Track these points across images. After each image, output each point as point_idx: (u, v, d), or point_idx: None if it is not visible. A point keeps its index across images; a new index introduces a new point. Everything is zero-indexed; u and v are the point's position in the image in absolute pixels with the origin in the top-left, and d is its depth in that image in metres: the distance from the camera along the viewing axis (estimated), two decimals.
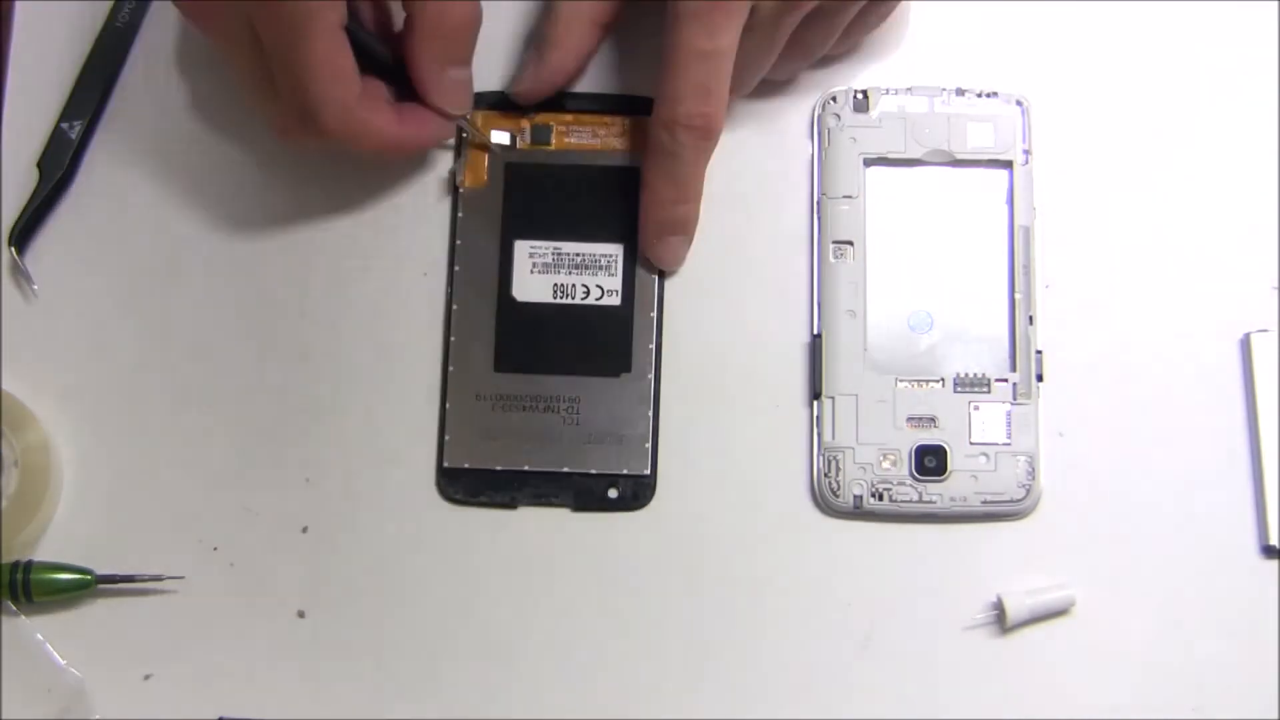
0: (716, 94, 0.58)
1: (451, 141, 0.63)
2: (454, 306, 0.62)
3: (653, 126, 0.59)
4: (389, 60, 0.59)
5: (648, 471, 0.61)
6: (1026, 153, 0.62)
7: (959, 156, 0.62)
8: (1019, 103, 0.63)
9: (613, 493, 0.61)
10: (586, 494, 0.61)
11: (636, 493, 0.61)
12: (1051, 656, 0.59)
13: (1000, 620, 0.59)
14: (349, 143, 0.58)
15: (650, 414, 0.61)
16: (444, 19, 0.59)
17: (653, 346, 0.61)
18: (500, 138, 0.63)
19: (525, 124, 0.63)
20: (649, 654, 0.60)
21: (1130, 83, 0.64)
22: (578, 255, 0.62)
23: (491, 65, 0.64)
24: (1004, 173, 0.62)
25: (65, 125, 0.64)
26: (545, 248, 0.62)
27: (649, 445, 0.61)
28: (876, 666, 0.60)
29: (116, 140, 0.65)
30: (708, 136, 0.58)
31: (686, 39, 0.56)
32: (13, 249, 0.63)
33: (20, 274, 0.64)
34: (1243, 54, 0.64)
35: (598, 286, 0.62)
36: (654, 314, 0.62)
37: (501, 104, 0.63)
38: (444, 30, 0.59)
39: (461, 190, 0.63)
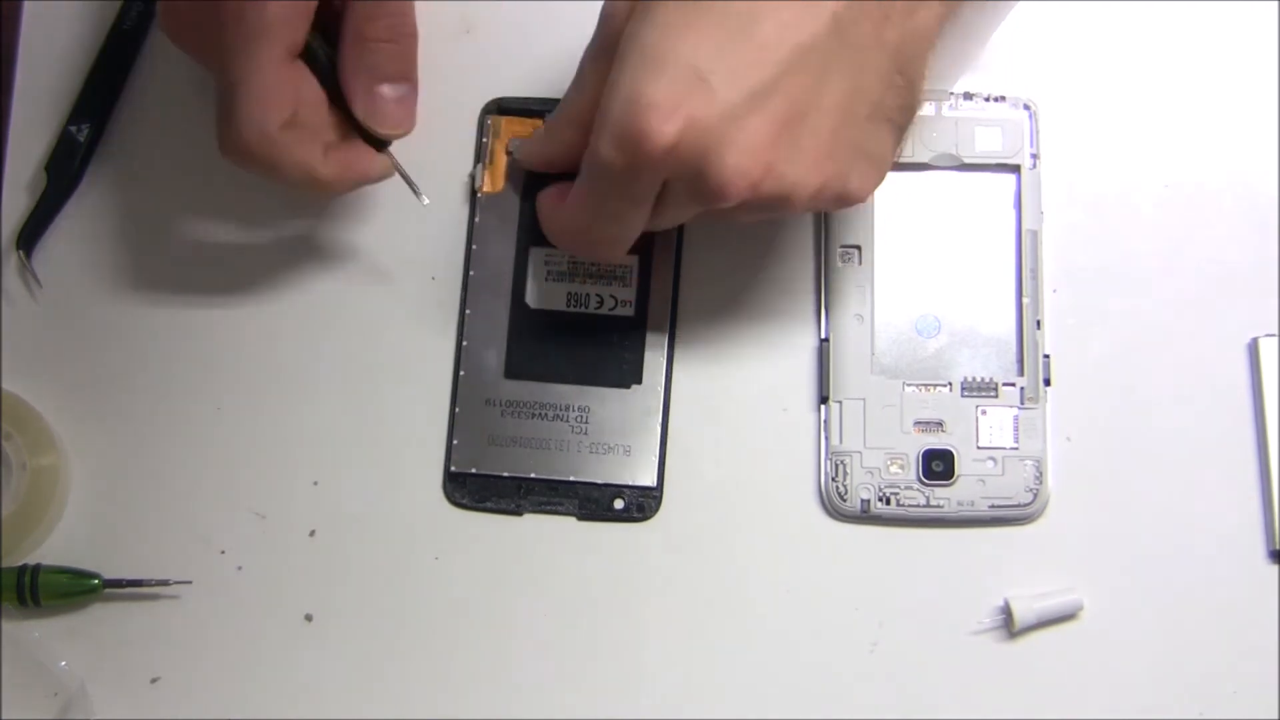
0: (594, 233, 0.57)
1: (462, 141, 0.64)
2: (467, 311, 0.62)
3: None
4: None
5: (654, 484, 0.61)
6: (1034, 157, 0.62)
7: (966, 160, 0.62)
8: (1026, 107, 0.63)
9: (619, 503, 0.61)
10: (592, 504, 0.61)
11: (642, 504, 0.61)
12: (1059, 661, 0.60)
13: (1008, 624, 0.59)
14: (265, 171, 0.56)
15: (659, 426, 0.61)
16: (369, 25, 0.57)
17: (664, 358, 0.61)
18: (516, 145, 0.63)
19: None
20: (653, 655, 0.60)
21: (1136, 86, 0.64)
22: (593, 265, 0.62)
23: (511, 70, 0.64)
24: (1011, 177, 0.62)
25: (73, 128, 0.64)
26: (560, 256, 0.62)
27: (656, 457, 0.61)
28: (884, 670, 0.60)
29: (124, 143, 0.65)
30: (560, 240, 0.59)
31: (598, 194, 0.55)
32: (20, 251, 0.63)
33: (28, 276, 0.64)
34: (1247, 56, 0.64)
35: (611, 297, 0.62)
36: (667, 326, 0.62)
37: (520, 110, 0.63)
38: (370, 37, 0.57)
39: (479, 195, 0.63)
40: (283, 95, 0.55)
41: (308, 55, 0.56)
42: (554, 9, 0.64)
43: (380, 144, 0.59)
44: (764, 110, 0.51)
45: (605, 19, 0.55)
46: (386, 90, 0.58)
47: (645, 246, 0.62)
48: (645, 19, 0.52)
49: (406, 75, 0.59)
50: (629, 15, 0.53)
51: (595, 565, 0.61)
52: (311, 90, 0.57)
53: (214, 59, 0.56)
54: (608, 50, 0.54)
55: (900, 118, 0.55)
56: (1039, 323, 0.61)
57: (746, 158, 0.51)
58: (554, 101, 0.63)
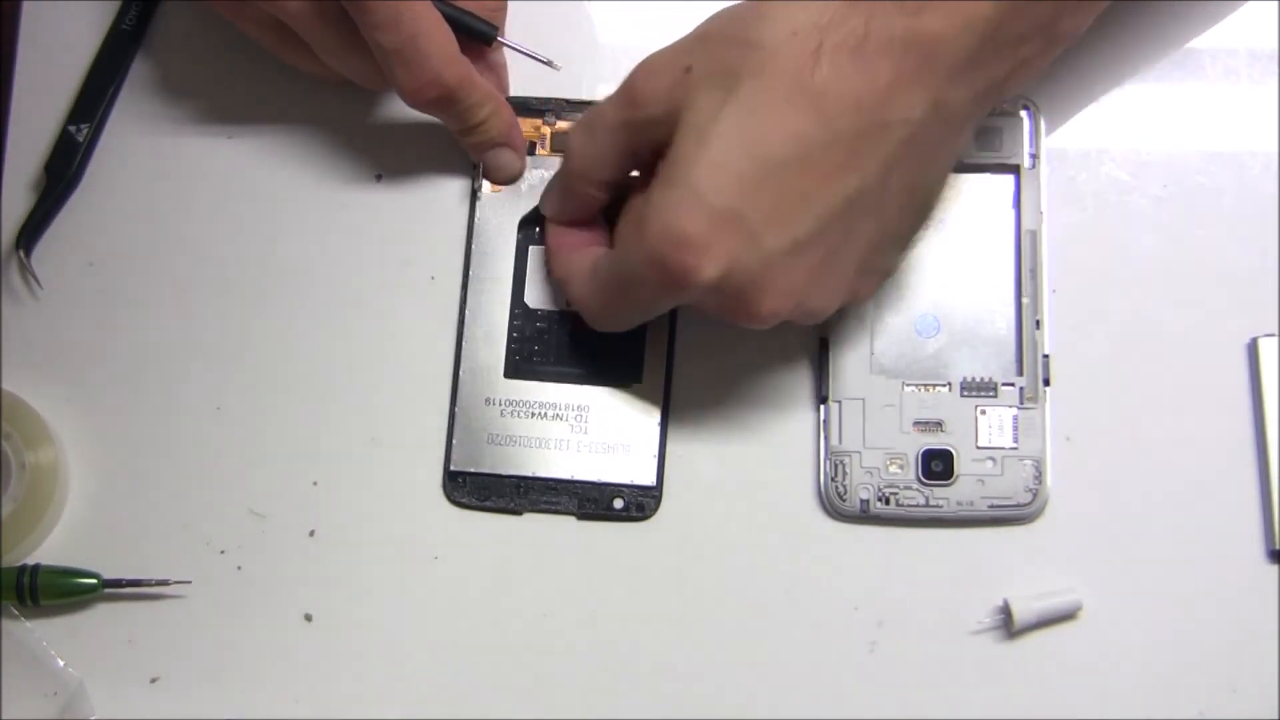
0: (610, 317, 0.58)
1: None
2: (466, 311, 0.62)
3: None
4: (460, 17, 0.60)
5: (653, 483, 0.61)
6: (1033, 157, 0.62)
7: (966, 160, 0.62)
8: (1026, 106, 0.63)
9: (618, 503, 0.61)
10: (591, 503, 0.61)
11: (641, 504, 0.61)
12: (1058, 661, 0.59)
13: (1007, 624, 0.59)
14: (463, 92, 0.59)
15: (659, 425, 0.61)
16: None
17: (664, 358, 0.61)
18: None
19: (545, 130, 0.63)
20: (653, 655, 0.60)
21: (1136, 86, 0.64)
22: None
23: (512, 70, 0.64)
24: (1010, 177, 0.62)
25: (72, 128, 0.64)
26: None
27: (656, 456, 0.61)
28: (883, 670, 0.60)
29: (123, 143, 0.65)
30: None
31: (622, 293, 0.56)
32: (20, 251, 0.63)
33: (28, 276, 0.64)
34: (1246, 55, 0.64)
35: None
36: (666, 326, 0.62)
37: (521, 109, 0.63)
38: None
39: (479, 195, 0.63)
40: (447, 29, 0.58)
41: None
42: (555, 9, 0.65)
43: (488, 39, 0.61)
44: (802, 257, 0.53)
45: (636, 99, 0.55)
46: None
47: None
48: (692, 146, 0.52)
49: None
50: (667, 111, 0.53)
51: (595, 564, 0.61)
52: None
53: (319, 14, 0.58)
54: (633, 127, 0.55)
55: (914, 236, 0.58)
56: (1038, 323, 0.61)
57: (780, 300, 0.53)
58: (554, 101, 0.63)
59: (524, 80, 0.64)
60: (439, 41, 0.58)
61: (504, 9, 0.62)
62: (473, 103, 0.60)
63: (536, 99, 0.63)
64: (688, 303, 0.54)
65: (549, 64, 0.62)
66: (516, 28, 0.63)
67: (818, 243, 0.52)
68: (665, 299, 0.55)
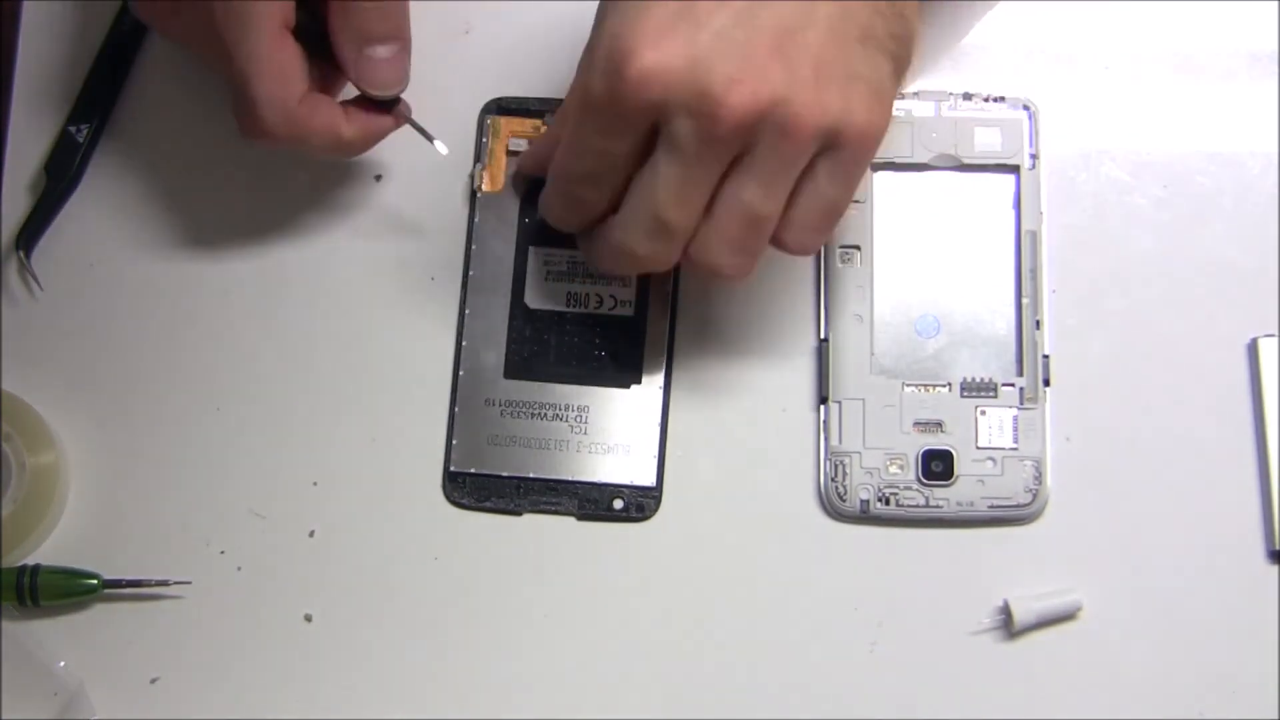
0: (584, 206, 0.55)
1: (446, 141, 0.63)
2: (466, 311, 0.62)
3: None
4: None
5: (653, 483, 0.61)
6: (1033, 157, 0.62)
7: (966, 161, 0.62)
8: (1026, 107, 0.63)
9: (618, 503, 0.61)
10: (591, 504, 0.61)
11: (641, 504, 0.61)
12: (1058, 661, 0.59)
13: (1007, 625, 0.59)
14: (293, 146, 0.57)
15: (659, 426, 0.61)
16: None
17: (663, 358, 0.61)
18: (516, 145, 0.63)
19: (543, 130, 0.63)
20: (652, 655, 0.60)
21: (1136, 86, 0.64)
22: None
23: (511, 70, 0.64)
24: (1011, 177, 0.62)
25: (73, 129, 0.64)
26: (560, 256, 0.62)
27: (656, 457, 0.61)
28: (883, 671, 0.60)
29: (123, 144, 0.65)
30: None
31: (582, 132, 0.53)
32: (20, 252, 0.63)
33: (27, 276, 0.64)
34: (1246, 56, 0.64)
35: (611, 297, 0.62)
36: (666, 326, 0.62)
37: (520, 110, 0.63)
38: (356, 3, 0.57)
39: (479, 195, 0.63)
40: (293, 70, 0.56)
41: (297, 28, 0.57)
42: (554, 9, 0.65)
43: (389, 102, 0.59)
44: (752, 25, 0.51)
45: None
46: (378, 51, 0.58)
47: None
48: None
49: (396, 33, 0.58)
50: None
51: (595, 565, 0.61)
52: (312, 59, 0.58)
53: (204, 44, 0.57)
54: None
55: (894, 47, 0.53)
56: (1038, 323, 0.61)
57: (740, 67, 0.50)
58: (554, 101, 0.63)
59: (524, 80, 0.64)
60: (273, 88, 0.56)
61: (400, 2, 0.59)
62: (308, 145, 0.58)
63: (536, 99, 0.63)
64: (640, 115, 0.51)
65: (434, 144, 0.61)
66: (522, 29, 0.63)
67: (766, 10, 0.51)
68: (620, 110, 0.51)
